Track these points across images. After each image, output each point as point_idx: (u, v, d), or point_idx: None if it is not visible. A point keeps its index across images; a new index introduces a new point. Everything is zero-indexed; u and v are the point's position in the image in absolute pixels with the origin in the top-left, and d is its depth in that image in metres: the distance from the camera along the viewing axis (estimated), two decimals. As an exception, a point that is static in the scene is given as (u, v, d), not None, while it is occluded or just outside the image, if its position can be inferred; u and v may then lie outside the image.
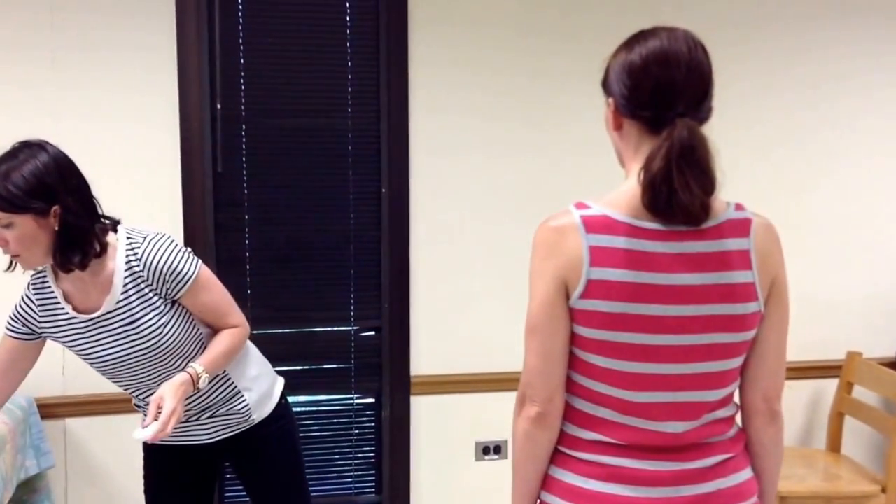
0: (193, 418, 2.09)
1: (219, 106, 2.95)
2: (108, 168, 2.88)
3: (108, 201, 2.85)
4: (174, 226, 2.93)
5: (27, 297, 1.97)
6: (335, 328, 3.13)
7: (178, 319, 1.96)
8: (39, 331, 1.97)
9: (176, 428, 2.00)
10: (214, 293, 2.01)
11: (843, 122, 3.34)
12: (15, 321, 1.98)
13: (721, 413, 1.45)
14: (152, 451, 2.20)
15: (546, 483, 1.48)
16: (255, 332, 3.01)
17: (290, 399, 3.18)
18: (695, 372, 1.39)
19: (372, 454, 3.20)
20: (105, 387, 2.90)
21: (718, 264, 1.36)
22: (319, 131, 3.05)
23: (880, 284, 3.42)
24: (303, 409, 3.16)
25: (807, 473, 3.03)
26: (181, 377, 1.88)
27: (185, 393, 1.86)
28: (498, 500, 2.91)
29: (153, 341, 1.93)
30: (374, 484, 3.22)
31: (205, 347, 2.02)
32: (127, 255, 1.91)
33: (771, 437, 1.49)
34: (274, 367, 3.06)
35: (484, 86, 3.08)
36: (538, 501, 1.51)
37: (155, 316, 1.93)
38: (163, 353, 1.95)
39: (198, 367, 1.92)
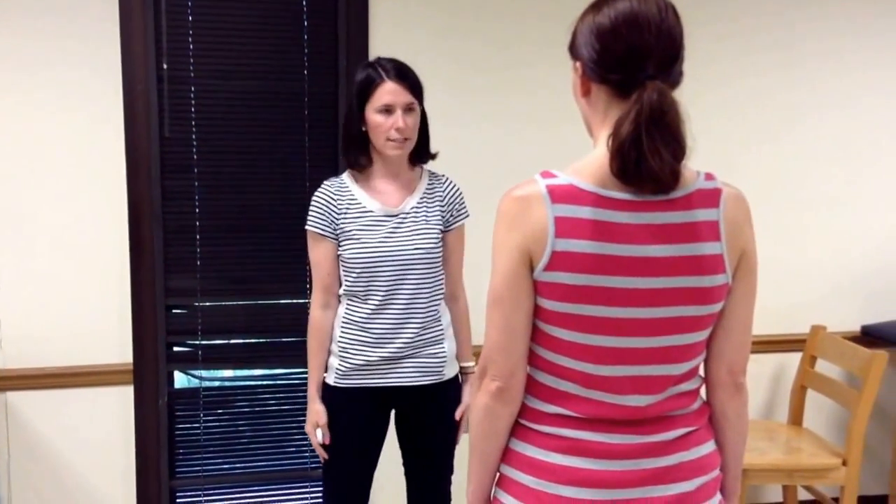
0: (404, 357, 2.30)
1: (165, 66, 2.84)
2: (45, 132, 2.77)
3: (45, 167, 2.77)
4: (118, 192, 2.82)
5: (326, 193, 2.29)
6: (290, 301, 3.04)
7: (441, 248, 2.33)
8: (338, 223, 2.26)
9: (381, 367, 2.29)
10: (462, 249, 2.42)
11: (815, 97, 3.31)
12: (321, 217, 2.27)
13: (685, 386, 1.42)
14: (344, 402, 2.33)
15: (506, 456, 1.46)
16: (205, 303, 2.94)
17: (244, 372, 3.12)
18: (660, 345, 1.35)
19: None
20: (48, 360, 2.81)
21: (687, 235, 1.32)
22: (274, 94, 2.94)
23: (846, 259, 3.42)
24: (258, 382, 3.09)
25: (768, 446, 3.02)
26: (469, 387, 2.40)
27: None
28: (459, 472, 2.86)
29: (428, 246, 2.28)
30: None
31: (441, 294, 2.36)
32: (431, 176, 2.37)
33: (735, 409, 1.47)
34: (227, 339, 3.00)
35: (449, 48, 3.01)
36: (498, 475, 1.48)
37: (437, 229, 2.31)
38: (426, 264, 2.28)
39: (468, 363, 2.43)
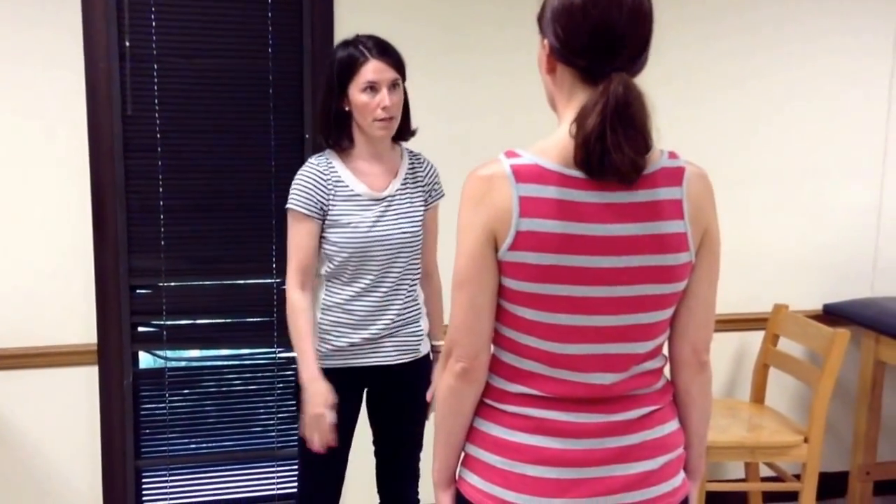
0: (385, 337, 2.29)
1: (127, 43, 2.79)
2: (5, 110, 2.70)
3: (4, 146, 2.71)
4: (81, 172, 2.78)
5: (315, 174, 2.23)
6: (256, 280, 3.02)
7: (422, 226, 2.34)
8: (325, 204, 2.22)
9: (362, 348, 2.29)
10: (437, 227, 2.41)
11: (775, 76, 3.33)
12: (307, 197, 2.21)
13: (649, 365, 1.43)
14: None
15: (471, 435, 1.46)
16: (170, 283, 2.91)
17: (211, 353, 3.09)
18: (624, 324, 1.36)
19: (295, 408, 3.11)
20: (10, 341, 2.78)
21: (650, 214, 1.33)
22: (238, 73, 2.90)
23: (807, 238, 3.45)
24: (225, 362, 3.07)
25: (730, 424, 3.06)
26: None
27: None
28: (428, 448, 2.87)
29: (415, 229, 2.29)
30: (296, 438, 3.13)
31: (420, 274, 2.37)
32: (410, 156, 2.36)
33: (699, 387, 1.49)
34: (194, 319, 2.98)
35: (418, 28, 2.97)
36: (463, 454, 1.49)
37: (420, 211, 2.32)
38: (413, 246, 2.29)
39: (440, 342, 2.31)
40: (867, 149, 3.45)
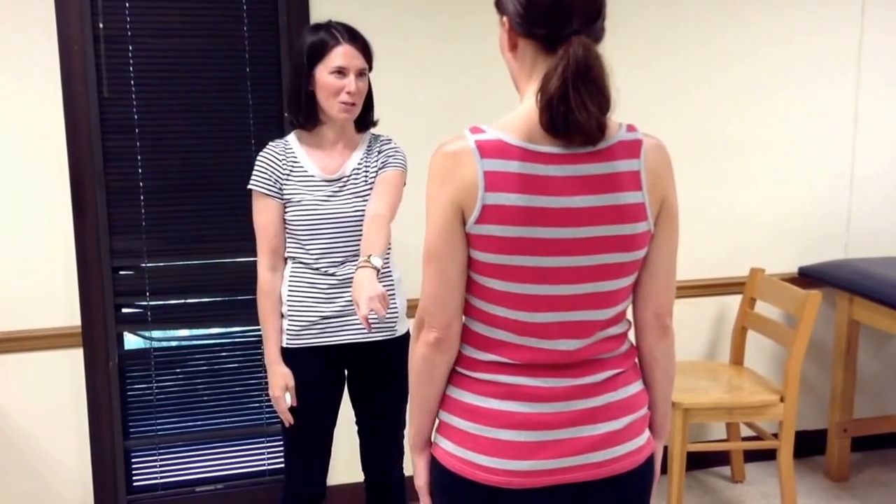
0: (355, 313, 2.26)
1: (101, 25, 2.79)
2: (-18, 94, 2.70)
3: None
4: (58, 153, 2.79)
5: (271, 155, 2.31)
6: (238, 259, 3.05)
7: None
8: (282, 184, 2.28)
9: (333, 323, 2.31)
10: (391, 190, 2.30)
11: (748, 51, 3.36)
12: (266, 177, 2.29)
13: (612, 330, 1.47)
14: (297, 363, 2.34)
15: (445, 403, 1.51)
16: (151, 264, 2.93)
17: (199, 332, 3.11)
18: (587, 292, 1.40)
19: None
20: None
21: (609, 186, 1.37)
22: (214, 52, 2.91)
23: (783, 203, 3.50)
24: (208, 341, 3.09)
25: (710, 385, 3.11)
26: (364, 273, 2.04)
27: (374, 276, 2.05)
28: (406, 429, 2.92)
29: (364, 206, 2.29)
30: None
31: (390, 250, 2.37)
32: (373, 138, 2.39)
33: (662, 350, 1.54)
34: (178, 299, 3.00)
35: (394, 4, 2.98)
36: (437, 421, 1.54)
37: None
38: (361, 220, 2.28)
39: (370, 259, 2.14)
40: (839, 114, 3.49)
